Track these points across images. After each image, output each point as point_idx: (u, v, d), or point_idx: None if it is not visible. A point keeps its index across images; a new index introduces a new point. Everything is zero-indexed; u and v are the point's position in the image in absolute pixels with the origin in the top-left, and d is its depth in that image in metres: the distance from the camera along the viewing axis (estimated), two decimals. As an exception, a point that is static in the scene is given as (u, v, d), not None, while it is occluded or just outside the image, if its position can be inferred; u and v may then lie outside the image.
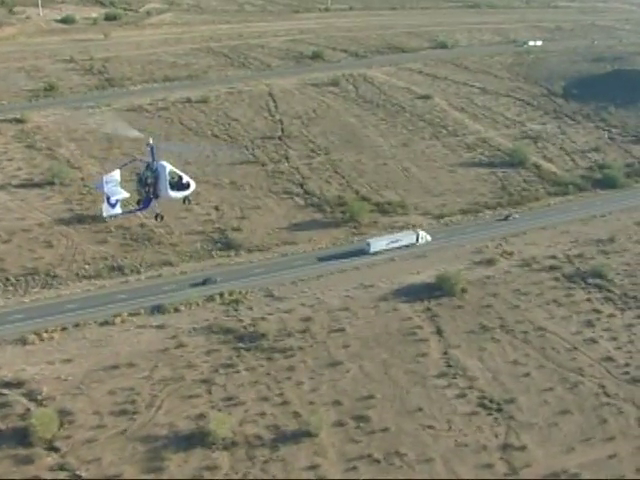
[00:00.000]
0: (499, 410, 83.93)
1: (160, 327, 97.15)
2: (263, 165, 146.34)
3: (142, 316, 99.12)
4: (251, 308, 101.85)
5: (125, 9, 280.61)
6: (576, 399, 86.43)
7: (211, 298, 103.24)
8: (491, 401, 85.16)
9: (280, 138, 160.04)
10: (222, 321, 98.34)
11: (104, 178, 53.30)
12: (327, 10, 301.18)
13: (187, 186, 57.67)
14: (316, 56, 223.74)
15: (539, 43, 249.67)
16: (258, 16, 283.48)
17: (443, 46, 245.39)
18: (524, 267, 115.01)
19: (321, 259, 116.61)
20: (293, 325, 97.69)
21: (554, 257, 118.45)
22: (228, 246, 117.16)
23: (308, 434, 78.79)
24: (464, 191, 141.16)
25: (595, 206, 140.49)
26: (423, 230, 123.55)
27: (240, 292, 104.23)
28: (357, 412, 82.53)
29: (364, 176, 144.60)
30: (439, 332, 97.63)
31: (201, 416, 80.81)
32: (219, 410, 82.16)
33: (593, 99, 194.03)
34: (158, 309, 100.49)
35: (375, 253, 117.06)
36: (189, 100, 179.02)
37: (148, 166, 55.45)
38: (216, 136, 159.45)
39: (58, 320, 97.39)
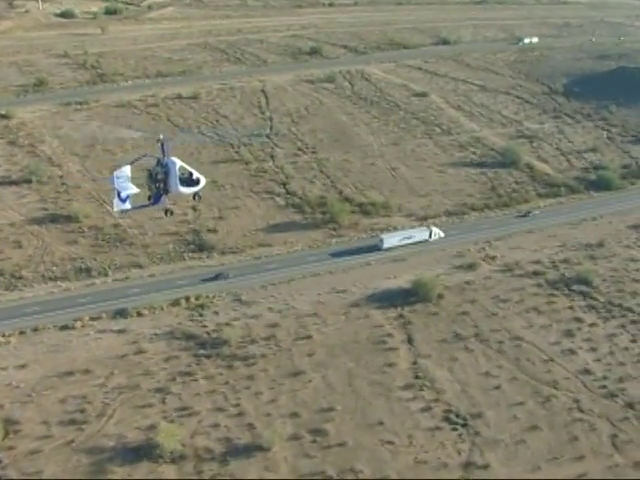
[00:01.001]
0: (464, 425, 79.94)
1: (121, 332, 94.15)
2: (247, 164, 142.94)
3: (104, 320, 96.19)
4: (217, 313, 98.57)
5: (126, 3, 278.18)
6: (547, 414, 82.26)
7: (176, 302, 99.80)
8: (457, 415, 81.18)
9: (268, 136, 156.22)
10: (185, 326, 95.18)
11: (115, 173, 52.09)
12: (331, 5, 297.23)
13: (197, 182, 56.74)
14: (314, 52, 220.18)
15: (535, 40, 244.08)
16: (260, 11, 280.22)
17: (445, 42, 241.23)
18: (506, 272, 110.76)
19: (334, 255, 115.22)
20: (258, 331, 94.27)
21: (538, 262, 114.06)
22: (201, 248, 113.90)
23: (261, 448, 75.33)
24: (451, 192, 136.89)
25: (586, 208, 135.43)
26: (436, 227, 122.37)
27: (207, 296, 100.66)
28: (315, 425, 78.96)
29: (350, 176, 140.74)
30: (410, 341, 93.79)
31: (152, 427, 77.61)
32: (171, 421, 78.99)
33: (595, 97, 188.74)
34: (121, 313, 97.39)
35: (388, 249, 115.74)
36: (180, 96, 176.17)
37: (158, 162, 54.45)
38: (202, 134, 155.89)
39: (17, 324, 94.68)
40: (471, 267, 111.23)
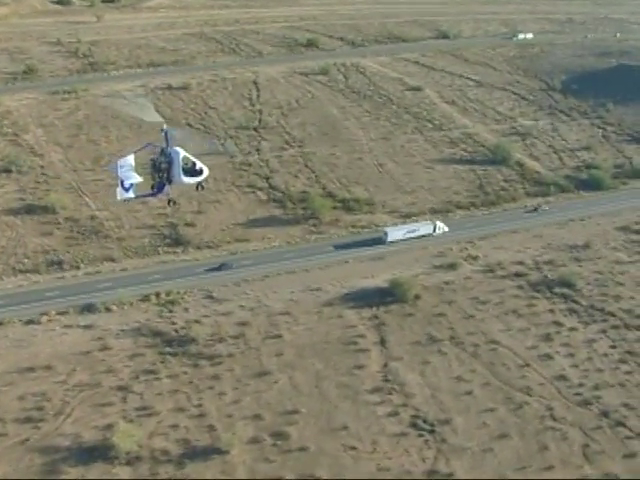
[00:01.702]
0: (432, 432, 77.68)
1: (87, 327, 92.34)
2: (232, 157, 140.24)
3: (71, 315, 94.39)
4: (187, 310, 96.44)
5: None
6: (518, 422, 79.89)
7: (146, 298, 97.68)
8: (424, 421, 78.94)
9: (256, 129, 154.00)
10: (153, 323, 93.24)
11: (118, 162, 52.54)
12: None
13: (200, 172, 56.38)
14: (311, 44, 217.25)
15: (530, 36, 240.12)
16: (260, 1, 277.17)
17: (445, 36, 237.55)
18: (487, 273, 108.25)
19: (337, 247, 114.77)
20: (227, 329, 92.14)
21: (521, 263, 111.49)
22: (177, 242, 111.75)
23: (219, 450, 73.31)
24: (438, 189, 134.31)
25: (575, 208, 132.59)
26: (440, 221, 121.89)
27: (178, 292, 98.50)
28: (277, 428, 76.87)
29: (335, 171, 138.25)
30: (383, 342, 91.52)
31: (109, 427, 75.80)
32: (130, 421, 77.14)
33: (592, 95, 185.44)
34: (89, 308, 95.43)
35: (392, 243, 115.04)
36: (170, 86, 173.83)
37: (162, 151, 54.35)
38: (190, 125, 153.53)
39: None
40: (452, 267, 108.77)
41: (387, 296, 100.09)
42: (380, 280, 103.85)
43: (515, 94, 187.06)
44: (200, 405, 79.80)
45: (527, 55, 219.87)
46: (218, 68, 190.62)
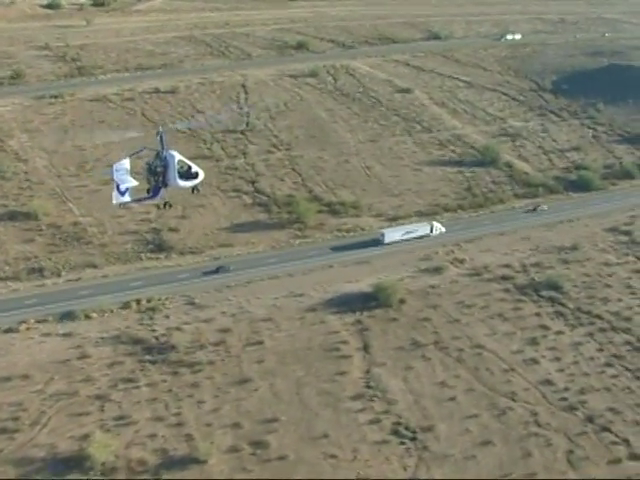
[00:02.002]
0: (413, 439, 76.34)
1: (67, 336, 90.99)
2: (218, 160, 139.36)
3: (50, 323, 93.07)
4: (168, 316, 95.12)
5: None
6: (502, 428, 78.58)
7: (127, 305, 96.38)
8: (406, 428, 77.58)
9: (243, 132, 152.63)
10: (133, 330, 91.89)
11: (114, 166, 52.90)
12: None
13: (196, 175, 57.40)
14: (300, 46, 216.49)
15: (518, 36, 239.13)
16: (250, 4, 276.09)
17: (436, 37, 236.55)
18: (473, 276, 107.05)
19: (335, 249, 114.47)
20: (209, 336, 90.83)
21: (508, 266, 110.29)
22: (160, 248, 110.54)
23: (197, 460, 71.96)
24: (425, 191, 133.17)
25: (564, 210, 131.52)
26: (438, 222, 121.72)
27: (159, 299, 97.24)
28: (256, 437, 75.53)
29: (322, 174, 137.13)
30: (366, 348, 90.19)
31: (86, 437, 74.31)
32: (108, 430, 75.79)
33: (583, 95, 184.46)
34: (68, 316, 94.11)
35: (390, 244, 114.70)
36: (157, 90, 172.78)
37: (157, 155, 55.24)
38: (176, 129, 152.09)
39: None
40: (437, 270, 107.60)
41: (371, 301, 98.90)
42: (364, 284, 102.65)
43: (505, 95, 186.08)
44: (179, 414, 78.45)
45: (518, 55, 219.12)
46: (207, 71, 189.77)
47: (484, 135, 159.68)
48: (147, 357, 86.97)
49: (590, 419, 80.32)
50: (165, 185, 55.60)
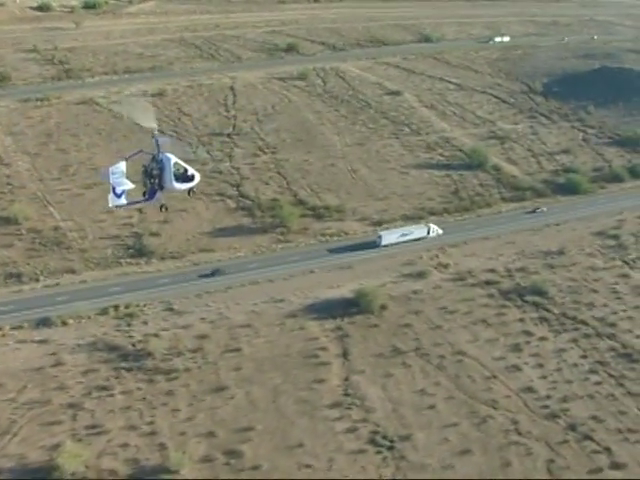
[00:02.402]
0: (391, 448, 75.03)
1: (42, 342, 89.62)
2: (203, 164, 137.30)
3: (25, 330, 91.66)
4: (146, 323, 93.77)
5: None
6: (481, 437, 77.30)
7: (105, 311, 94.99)
8: (384, 437, 76.24)
9: (229, 135, 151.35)
10: (110, 337, 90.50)
11: (110, 169, 52.94)
12: (316, 1, 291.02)
13: (192, 178, 57.84)
14: (291, 48, 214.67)
15: (506, 39, 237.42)
16: (242, 6, 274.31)
17: (428, 40, 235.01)
18: (457, 281, 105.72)
19: (332, 251, 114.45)
20: (186, 343, 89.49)
21: (493, 270, 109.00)
22: (141, 253, 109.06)
23: (169, 470, 70.58)
24: (411, 195, 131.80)
25: (551, 213, 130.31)
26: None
27: (137, 305, 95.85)
28: (231, 446, 74.26)
29: (307, 177, 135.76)
30: (345, 355, 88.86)
31: (57, 446, 72.92)
32: (79, 440, 74.53)
33: (574, 97, 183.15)
34: (44, 322, 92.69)
35: (387, 246, 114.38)
36: (145, 93, 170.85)
37: (153, 158, 55.26)
38: (162, 132, 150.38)
39: None
40: (421, 275, 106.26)
41: (352, 307, 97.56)
42: (346, 290, 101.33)
43: (496, 97, 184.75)
44: (153, 422, 77.18)
45: (510, 58, 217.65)
46: (196, 74, 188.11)
47: (473, 138, 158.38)
48: (123, 364, 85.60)
49: (572, 427, 79.12)
50: (161, 188, 55.78)
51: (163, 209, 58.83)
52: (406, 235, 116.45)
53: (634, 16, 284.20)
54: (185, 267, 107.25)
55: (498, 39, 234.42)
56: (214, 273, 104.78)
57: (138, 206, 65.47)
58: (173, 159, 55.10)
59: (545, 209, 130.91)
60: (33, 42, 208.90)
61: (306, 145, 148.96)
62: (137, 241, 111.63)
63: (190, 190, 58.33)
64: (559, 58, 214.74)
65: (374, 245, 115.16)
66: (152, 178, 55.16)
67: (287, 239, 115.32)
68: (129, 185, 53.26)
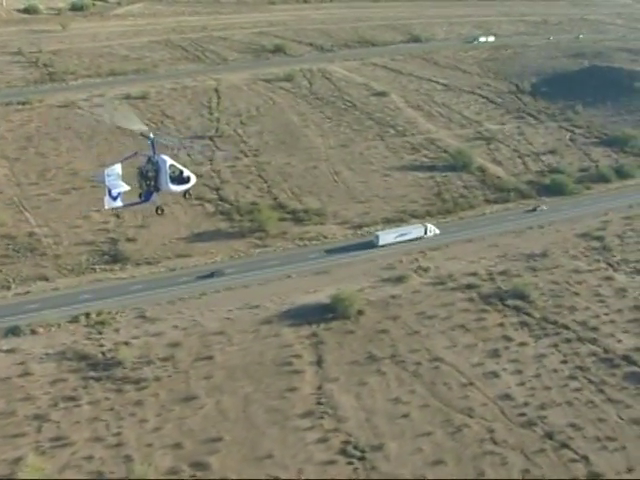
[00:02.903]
0: (362, 459, 73.14)
1: (10, 352, 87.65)
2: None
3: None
4: (117, 330, 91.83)
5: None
6: (456, 446, 75.39)
7: (76, 319, 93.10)
8: (355, 447, 74.35)
9: (211, 138, 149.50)
10: (80, 346, 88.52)
11: (105, 171, 53.09)
12: (306, 2, 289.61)
13: (188, 180, 57.77)
14: (278, 50, 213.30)
15: (491, 39, 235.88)
16: (231, 7, 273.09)
17: (417, 40, 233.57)
18: (437, 285, 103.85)
19: (329, 251, 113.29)
20: (157, 351, 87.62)
21: (474, 274, 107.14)
22: (115, 259, 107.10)
23: (133, 484, 68.61)
24: (393, 197, 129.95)
25: (535, 215, 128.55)
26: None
27: (109, 312, 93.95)
28: (197, 457, 72.40)
29: (289, 180, 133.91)
30: (319, 362, 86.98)
31: (19, 460, 70.93)
32: (43, 452, 72.57)
33: (562, 97, 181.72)
34: (13, 331, 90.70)
35: (384, 246, 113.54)
36: (128, 96, 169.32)
37: (149, 159, 55.46)
38: (143, 135, 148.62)
39: None
40: (400, 280, 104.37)
41: (328, 312, 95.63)
42: (323, 295, 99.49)
43: (483, 97, 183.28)
44: (119, 434, 75.26)
45: (499, 57, 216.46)
46: (180, 76, 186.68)
47: (458, 139, 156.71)
48: (91, 374, 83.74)
49: (549, 435, 77.32)
50: (157, 190, 55.80)
51: (159, 211, 58.71)
52: (403, 235, 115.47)
53: (625, 15, 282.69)
54: (160, 273, 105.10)
55: (482, 39, 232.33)
56: (213, 275, 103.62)
57: (134, 208, 64.13)
58: (169, 161, 55.09)
59: (545, 207, 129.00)
60: (18, 45, 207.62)
61: (289, 147, 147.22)
62: (113, 247, 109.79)
63: (186, 192, 58.28)
64: (549, 57, 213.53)
65: (371, 245, 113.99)
66: (147, 180, 55.23)
67: (265, 243, 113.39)
68: (125, 187, 53.19)
